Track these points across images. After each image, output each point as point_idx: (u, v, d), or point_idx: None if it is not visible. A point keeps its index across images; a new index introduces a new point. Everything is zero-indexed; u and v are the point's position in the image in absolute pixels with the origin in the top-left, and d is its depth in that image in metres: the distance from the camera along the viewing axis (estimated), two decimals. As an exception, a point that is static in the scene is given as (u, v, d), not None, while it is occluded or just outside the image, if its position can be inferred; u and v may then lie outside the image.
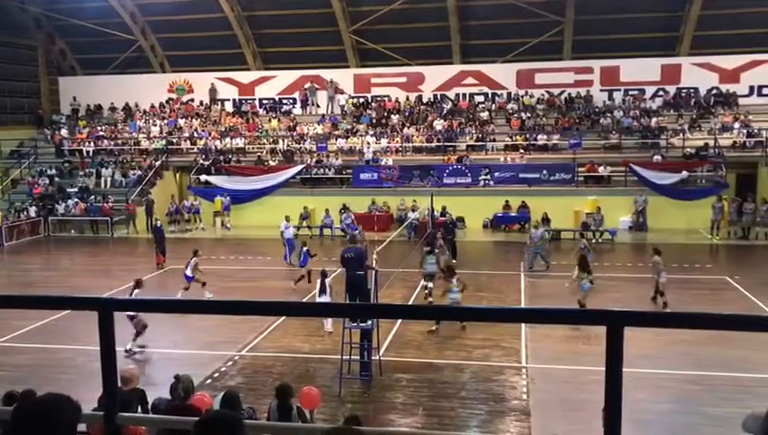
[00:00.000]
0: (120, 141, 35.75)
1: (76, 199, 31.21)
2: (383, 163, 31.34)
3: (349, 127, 34.41)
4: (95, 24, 35.67)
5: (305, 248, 19.94)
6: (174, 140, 35.05)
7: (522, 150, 31.17)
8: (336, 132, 34.12)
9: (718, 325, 2.44)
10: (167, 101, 38.10)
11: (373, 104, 35.92)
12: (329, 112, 36.07)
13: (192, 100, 38.05)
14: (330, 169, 31.67)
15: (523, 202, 28.92)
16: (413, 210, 28.24)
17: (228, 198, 30.79)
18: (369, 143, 32.56)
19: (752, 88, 32.72)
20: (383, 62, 35.68)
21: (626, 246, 26.20)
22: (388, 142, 32.83)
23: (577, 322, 2.54)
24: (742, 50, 32.13)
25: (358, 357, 12.85)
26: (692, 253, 23.57)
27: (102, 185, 32.76)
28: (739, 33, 31.67)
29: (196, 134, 35.14)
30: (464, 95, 35.43)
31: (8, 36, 36.95)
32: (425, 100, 35.59)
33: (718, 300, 18.00)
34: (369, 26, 34.47)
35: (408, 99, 35.75)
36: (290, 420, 7.92)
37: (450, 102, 35.18)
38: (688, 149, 29.79)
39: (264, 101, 37.43)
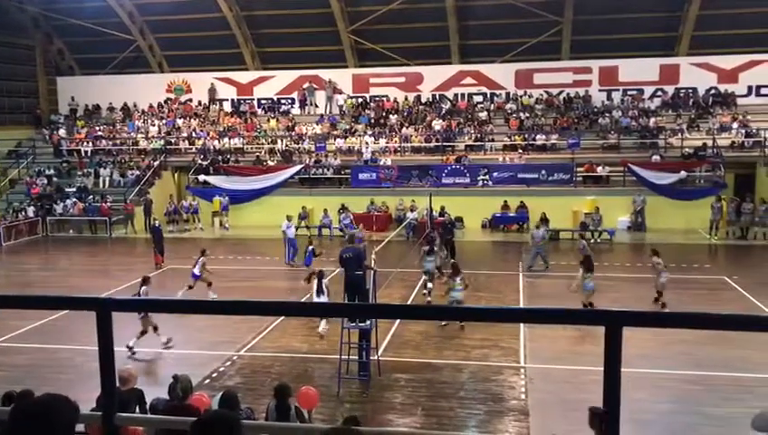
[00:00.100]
0: (118, 141, 35.74)
1: (74, 199, 31.18)
2: (382, 163, 31.34)
3: (347, 127, 34.41)
4: (93, 24, 35.66)
5: (311, 247, 19.96)
6: (172, 140, 35.03)
7: (520, 150, 31.19)
8: (335, 132, 34.12)
9: (717, 325, 2.44)
10: (165, 101, 38.08)
11: (372, 104, 35.93)
12: (327, 112, 36.08)
13: (190, 100, 38.04)
14: (328, 169, 31.66)
15: (521, 202, 28.92)
16: (412, 210, 28.24)
17: (227, 198, 30.76)
18: (367, 143, 32.56)
19: (750, 88, 32.77)
20: (382, 62, 35.69)
21: (624, 246, 26.21)
22: (387, 142, 32.84)
23: (576, 322, 2.54)
24: (740, 50, 32.18)
25: (356, 357, 12.84)
26: (690, 253, 23.58)
27: (101, 185, 32.73)
28: (738, 34, 31.71)
29: (194, 134, 35.13)
30: (462, 95, 35.44)
31: (6, 36, 36.94)
32: (423, 100, 35.60)
33: (717, 300, 18.01)
34: (367, 26, 34.48)
35: (406, 99, 35.75)
36: (288, 420, 7.92)
37: (449, 102, 35.20)
38: (687, 149, 29.81)
39: (263, 101, 37.42)
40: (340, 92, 36.51)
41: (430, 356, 14.02)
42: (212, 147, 33.88)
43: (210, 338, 15.10)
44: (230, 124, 35.78)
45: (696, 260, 22.51)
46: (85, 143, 35.46)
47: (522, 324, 14.68)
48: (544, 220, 24.09)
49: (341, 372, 12.33)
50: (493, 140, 32.42)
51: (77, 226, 30.69)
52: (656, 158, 29.57)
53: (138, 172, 32.71)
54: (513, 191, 29.24)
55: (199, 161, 32.72)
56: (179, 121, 36.33)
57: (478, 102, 35.06)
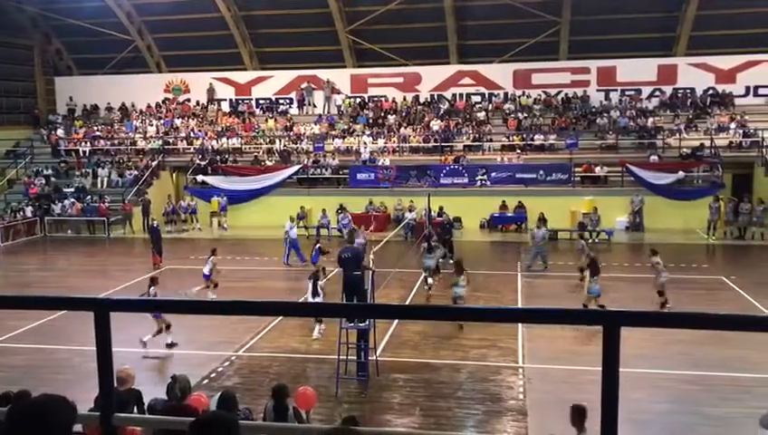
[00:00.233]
0: (116, 141, 35.71)
1: (72, 199, 31.14)
2: (380, 163, 31.34)
3: (346, 127, 34.41)
4: (91, 24, 35.62)
5: (318, 246, 20.10)
6: (170, 140, 35.02)
7: (518, 151, 31.21)
8: (333, 132, 34.11)
9: (715, 325, 2.44)
10: (163, 101, 38.06)
11: (370, 104, 35.92)
12: (326, 112, 36.07)
13: (188, 100, 38.03)
14: (326, 170, 31.66)
15: (519, 202, 28.93)
16: (410, 210, 28.25)
17: (225, 198, 30.75)
18: (365, 143, 32.56)
19: (748, 88, 32.80)
20: (380, 63, 35.69)
21: (622, 246, 26.23)
22: (385, 142, 32.84)
23: (574, 322, 2.54)
24: (738, 50, 32.21)
25: (354, 357, 12.84)
26: (688, 253, 23.60)
27: (99, 185, 32.70)
28: (735, 34, 31.75)
29: (192, 134, 35.11)
30: (461, 95, 35.45)
31: (5, 36, 36.90)
32: (422, 100, 35.61)
33: (715, 300, 18.03)
34: (365, 26, 34.48)
35: (404, 99, 35.76)
36: (286, 420, 7.91)
37: (447, 103, 35.20)
38: (685, 150, 29.83)
39: (261, 101, 37.41)
40: (339, 92, 36.51)
41: (428, 356, 14.02)
42: (210, 147, 33.86)
43: (209, 338, 15.10)
44: (228, 124, 35.76)
45: (693, 260, 22.53)
46: (83, 143, 35.41)
47: (520, 324, 14.68)
48: (542, 220, 24.13)
49: (340, 373, 12.33)
50: (491, 141, 32.43)
51: (75, 226, 30.65)
52: (654, 158, 29.60)
53: (136, 172, 32.68)
54: (511, 191, 29.25)
55: (197, 161, 32.70)
56: (177, 121, 36.30)
57: (476, 103, 35.07)
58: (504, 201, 29.14)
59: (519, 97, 34.62)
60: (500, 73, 34.96)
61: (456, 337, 14.96)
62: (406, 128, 33.58)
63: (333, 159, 32.11)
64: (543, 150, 31.31)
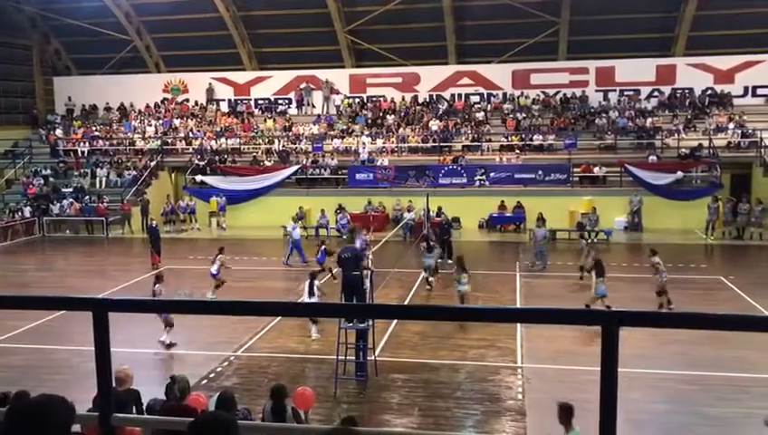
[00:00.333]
0: (115, 141, 35.69)
1: (71, 200, 31.13)
2: (379, 163, 31.33)
3: (344, 127, 34.40)
4: (90, 24, 35.59)
5: (323, 248, 20.12)
6: (169, 141, 35.01)
7: (517, 151, 31.22)
8: (332, 133, 34.11)
9: (713, 325, 2.45)
10: (162, 102, 38.04)
11: (369, 104, 35.92)
12: (324, 113, 36.07)
13: (187, 100, 38.00)
14: (325, 170, 31.66)
15: (518, 202, 28.93)
16: (409, 211, 28.25)
17: (224, 198, 30.74)
18: (364, 143, 32.56)
19: (746, 88, 32.83)
20: (379, 63, 35.69)
21: (621, 246, 26.25)
22: (384, 143, 32.83)
23: (573, 322, 2.54)
24: (736, 50, 32.23)
25: (353, 357, 12.84)
26: (687, 253, 23.62)
27: (97, 185, 32.68)
28: (734, 34, 31.77)
29: (191, 134, 35.10)
30: (459, 95, 35.45)
31: (3, 36, 36.88)
32: (420, 100, 35.61)
33: (713, 300, 18.04)
34: (364, 26, 34.47)
35: (403, 99, 35.76)
36: (284, 421, 7.91)
37: (446, 103, 35.20)
38: (683, 150, 29.85)
39: (260, 102, 37.40)
40: (338, 93, 36.50)
41: (427, 356, 14.03)
42: (209, 147, 33.85)
43: (207, 338, 15.09)
44: (227, 124, 35.75)
45: (692, 260, 22.54)
46: (82, 143, 35.39)
47: (519, 325, 14.69)
48: (541, 220, 24.13)
49: (339, 373, 12.32)
50: (490, 141, 32.44)
51: (74, 226, 30.63)
52: (652, 158, 29.62)
53: (134, 172, 32.66)
54: (509, 191, 29.25)
55: (196, 161, 32.69)
56: (176, 122, 36.29)
57: (475, 103, 35.07)
58: (502, 201, 29.15)
59: (518, 97, 34.62)
60: (499, 74, 34.96)
61: (454, 337, 14.97)
62: (404, 128, 33.59)
63: (332, 159, 32.11)
64: (542, 151, 31.33)
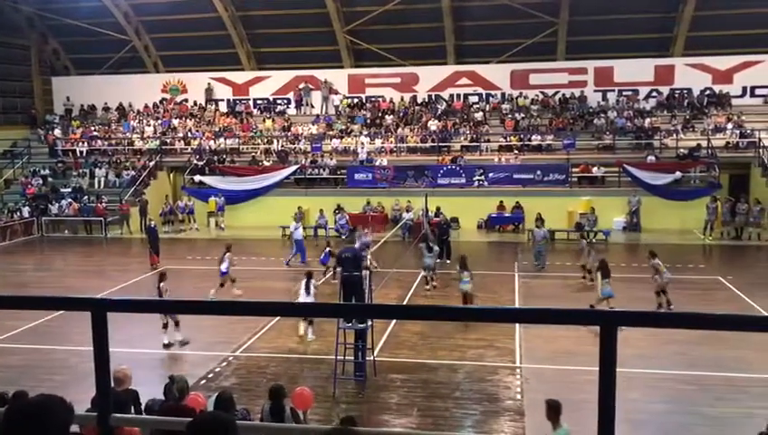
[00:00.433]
0: (113, 142, 35.67)
1: (69, 200, 31.11)
2: (377, 163, 31.34)
3: (343, 127, 34.41)
4: (88, 24, 35.56)
5: (328, 249, 20.19)
6: (168, 141, 34.99)
7: (516, 151, 31.22)
8: (330, 133, 34.11)
9: (711, 325, 2.45)
10: (160, 102, 38.02)
11: (367, 104, 35.92)
12: (323, 113, 36.06)
13: (186, 100, 37.98)
14: (324, 170, 31.66)
15: (517, 203, 28.94)
16: (407, 211, 28.25)
17: (222, 198, 30.73)
18: (363, 143, 32.55)
19: (744, 89, 32.86)
20: (377, 63, 35.69)
21: (620, 246, 26.27)
22: (383, 143, 32.84)
23: (571, 322, 2.54)
24: (735, 51, 32.26)
25: (352, 358, 12.84)
26: (685, 253, 23.63)
27: (96, 185, 32.66)
28: (732, 34, 31.79)
29: (190, 134, 35.08)
30: (458, 96, 35.46)
31: (1, 36, 36.86)
32: (419, 100, 35.61)
33: (711, 300, 18.07)
34: (363, 27, 34.47)
35: (402, 99, 35.77)
36: (283, 421, 7.91)
37: (444, 103, 35.21)
38: (682, 150, 29.87)
39: (259, 102, 37.39)
40: (336, 93, 36.50)
41: (426, 356, 14.03)
42: (208, 147, 33.84)
43: (206, 338, 15.09)
44: (226, 124, 35.74)
45: (690, 260, 22.56)
46: (80, 143, 35.38)
47: (517, 325, 14.70)
48: (540, 221, 24.13)
49: (337, 373, 12.33)
50: (488, 141, 32.45)
51: (72, 226, 30.61)
52: (651, 158, 29.64)
53: (133, 172, 32.63)
54: (508, 192, 29.26)
55: (195, 162, 32.68)
56: (175, 122, 36.27)
57: (474, 103, 35.08)
58: (501, 201, 29.16)
59: (516, 97, 34.63)
60: (497, 74, 34.97)
61: (453, 337, 14.97)
62: (403, 128, 33.59)
63: (331, 159, 32.11)
64: (541, 151, 31.34)
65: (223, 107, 37.59)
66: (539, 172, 29.54)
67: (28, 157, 35.28)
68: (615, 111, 32.90)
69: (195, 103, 37.75)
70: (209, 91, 37.59)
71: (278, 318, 15.49)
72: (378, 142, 32.85)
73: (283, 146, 33.52)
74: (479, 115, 33.94)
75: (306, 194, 30.57)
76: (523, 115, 33.44)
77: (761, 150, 29.13)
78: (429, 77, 35.51)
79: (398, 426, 10.89)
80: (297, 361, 13.97)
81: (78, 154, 34.93)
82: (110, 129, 36.70)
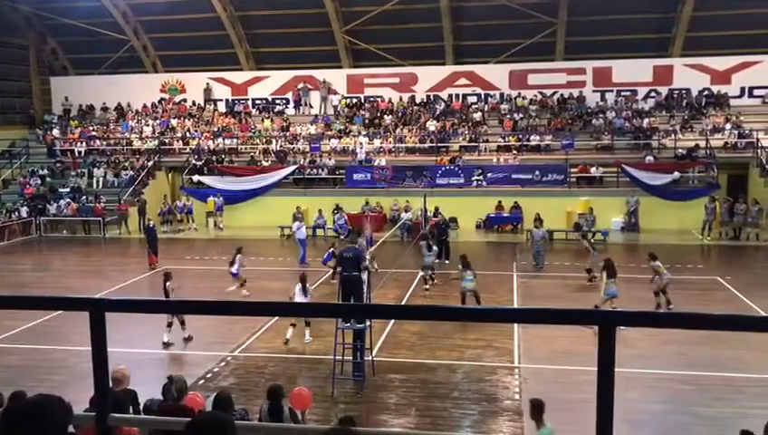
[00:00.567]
0: (112, 141, 35.65)
1: (68, 200, 31.08)
2: (376, 163, 31.35)
3: (342, 127, 34.41)
4: (87, 24, 35.53)
5: (331, 250, 20.18)
6: (166, 141, 34.97)
7: (514, 151, 31.24)
8: (329, 133, 34.11)
9: (710, 326, 2.45)
10: (159, 101, 38.01)
11: (366, 105, 35.92)
12: (322, 113, 36.06)
13: (184, 100, 37.96)
14: (323, 170, 31.66)
15: (515, 203, 28.95)
16: (406, 211, 28.26)
17: (221, 198, 30.73)
18: (362, 144, 32.56)
19: (743, 89, 32.88)
20: (376, 63, 35.69)
21: (618, 246, 26.25)
22: (382, 143, 32.84)
23: (570, 322, 2.54)
24: (733, 51, 32.27)
25: (350, 358, 12.84)
26: (684, 253, 23.65)
27: (94, 185, 32.64)
28: (731, 35, 31.82)
29: (188, 134, 35.07)
30: (456, 96, 35.47)
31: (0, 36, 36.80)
32: (418, 100, 35.62)
33: (710, 300, 18.08)
34: (362, 27, 34.47)
35: (400, 99, 35.77)
36: (281, 421, 7.91)
37: (443, 103, 35.22)
38: (680, 150, 29.90)
39: (257, 102, 37.38)
40: (335, 93, 36.49)
41: (424, 356, 14.04)
42: (206, 147, 33.83)
43: (204, 338, 15.09)
44: (224, 124, 35.73)
45: (689, 260, 22.57)
46: (79, 143, 35.36)
47: (516, 325, 14.70)
48: (539, 221, 24.13)
49: (336, 373, 12.33)
50: (487, 141, 32.46)
51: (71, 226, 30.59)
52: (649, 158, 29.66)
53: (132, 172, 32.61)
54: (507, 192, 29.27)
55: (193, 162, 32.67)
56: (173, 122, 36.25)
57: (472, 103, 35.09)
58: (499, 202, 29.17)
59: (515, 98, 34.64)
60: (496, 74, 34.98)
61: (452, 337, 14.97)
62: (402, 128, 33.60)
63: (329, 159, 32.11)
64: (539, 151, 31.35)
65: (221, 107, 37.57)
66: (537, 172, 29.55)
67: (26, 157, 35.25)
68: (613, 111, 32.92)
69: (193, 103, 37.73)
70: (208, 91, 37.57)
71: (276, 318, 15.48)
72: (376, 142, 32.85)
73: (281, 146, 33.51)
74: (478, 115, 33.95)
75: (305, 194, 30.56)
76: (521, 115, 33.45)
77: (759, 151, 29.15)
78: (428, 77, 35.52)
79: (397, 426, 10.89)
80: (295, 361, 13.96)
81: (76, 154, 34.90)
82: (109, 129, 36.67)
